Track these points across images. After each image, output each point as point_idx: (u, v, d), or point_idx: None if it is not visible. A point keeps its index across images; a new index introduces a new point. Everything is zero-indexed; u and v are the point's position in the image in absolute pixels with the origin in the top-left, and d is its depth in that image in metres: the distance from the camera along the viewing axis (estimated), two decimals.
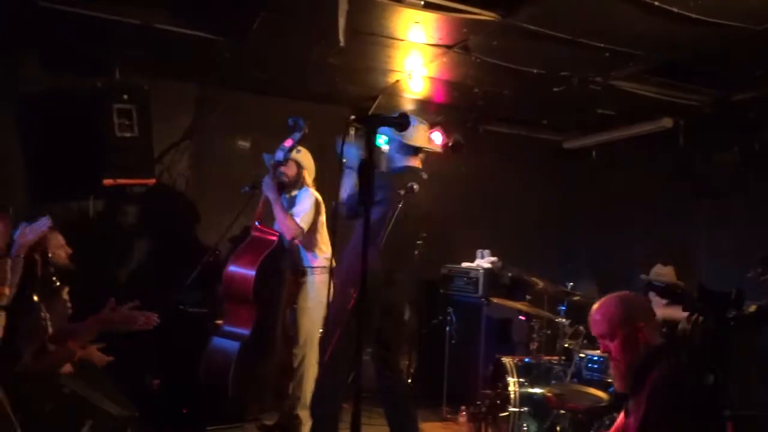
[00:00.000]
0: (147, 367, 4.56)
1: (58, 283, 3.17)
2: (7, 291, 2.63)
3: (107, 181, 4.55)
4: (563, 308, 4.65)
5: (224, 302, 4.47)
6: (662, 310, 4.24)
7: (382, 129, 3.73)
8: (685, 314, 2.26)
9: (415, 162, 3.82)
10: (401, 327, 3.83)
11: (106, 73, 4.64)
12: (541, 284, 4.84)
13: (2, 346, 2.55)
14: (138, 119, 4.59)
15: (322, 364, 3.65)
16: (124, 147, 4.56)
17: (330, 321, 3.46)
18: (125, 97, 4.56)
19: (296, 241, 4.34)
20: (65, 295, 3.36)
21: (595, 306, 2.42)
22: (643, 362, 2.25)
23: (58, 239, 3.44)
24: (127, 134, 4.58)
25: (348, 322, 3.15)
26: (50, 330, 3.10)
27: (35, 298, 2.85)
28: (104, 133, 4.52)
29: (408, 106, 5.44)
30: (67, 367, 3.22)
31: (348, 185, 3.87)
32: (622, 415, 2.41)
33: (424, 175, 3.78)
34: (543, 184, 6.30)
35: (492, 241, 5.83)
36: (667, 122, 5.21)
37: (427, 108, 5.54)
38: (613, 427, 2.49)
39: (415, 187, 3.41)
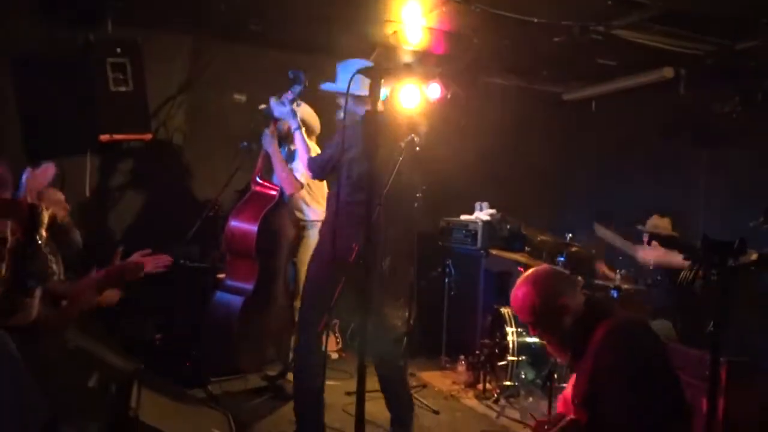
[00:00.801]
0: (150, 322, 4.62)
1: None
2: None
3: (103, 137, 4.52)
4: (562, 259, 4.70)
5: (226, 257, 4.49)
6: (657, 254, 4.29)
7: (328, 85, 3.73)
8: (680, 260, 2.28)
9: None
10: (380, 278, 3.84)
11: (98, 27, 4.55)
12: (539, 236, 4.87)
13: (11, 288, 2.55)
14: (132, 73, 4.54)
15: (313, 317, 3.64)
16: (119, 102, 4.52)
17: (326, 276, 3.46)
18: (118, 50, 4.50)
19: (296, 196, 4.34)
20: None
21: (512, 296, 2.43)
22: (574, 329, 2.28)
23: (57, 195, 3.43)
24: (122, 88, 4.53)
25: (349, 276, 3.17)
26: (61, 275, 3.11)
27: (40, 242, 2.84)
28: (99, 88, 4.47)
29: (406, 58, 5.36)
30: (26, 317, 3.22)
31: (303, 147, 3.88)
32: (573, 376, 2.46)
33: (423, 129, 3.75)
34: (542, 136, 6.27)
35: (491, 193, 5.83)
36: (668, 72, 5.15)
37: (425, 60, 5.46)
38: (566, 390, 2.53)
39: (416, 138, 3.39)
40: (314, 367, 3.60)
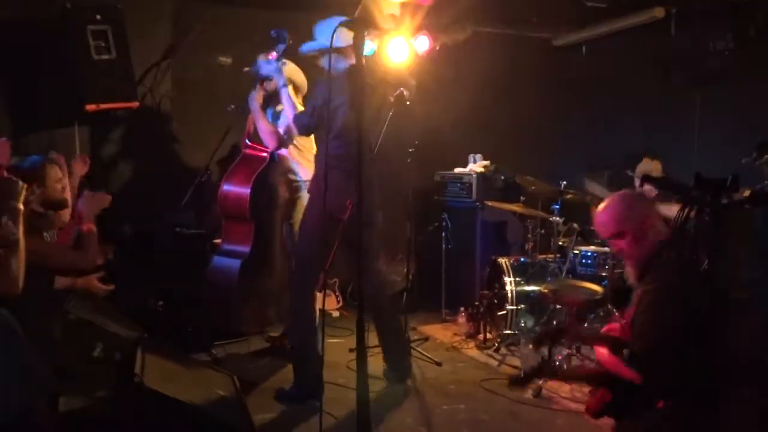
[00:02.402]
0: (150, 290, 4.63)
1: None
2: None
3: (90, 107, 4.46)
4: (557, 207, 4.71)
5: (222, 221, 4.49)
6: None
7: (307, 45, 3.69)
8: (676, 210, 2.29)
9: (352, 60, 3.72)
10: (374, 232, 3.85)
11: None
12: (534, 185, 4.86)
13: None
14: (114, 40, 4.45)
15: (305, 276, 3.67)
16: (103, 70, 4.44)
17: (314, 234, 3.47)
18: (98, 17, 4.40)
19: (287, 156, 4.32)
20: None
21: (599, 209, 2.48)
22: (655, 253, 2.32)
23: (57, 173, 3.42)
24: (105, 56, 4.45)
25: (344, 234, 3.16)
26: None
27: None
28: (81, 58, 4.39)
29: (392, 10, 5.25)
30: (65, 281, 3.25)
31: (290, 104, 3.84)
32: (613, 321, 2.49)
33: (413, 82, 3.71)
34: (534, 84, 6.20)
35: (484, 144, 5.80)
36: (658, 12, 5.06)
37: (412, 11, 5.35)
38: (606, 327, 2.56)
39: (405, 92, 3.35)
40: (306, 324, 3.64)
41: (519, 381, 2.33)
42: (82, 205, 3.36)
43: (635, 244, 2.35)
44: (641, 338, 2.20)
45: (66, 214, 3.49)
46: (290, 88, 4.33)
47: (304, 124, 3.73)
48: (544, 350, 2.15)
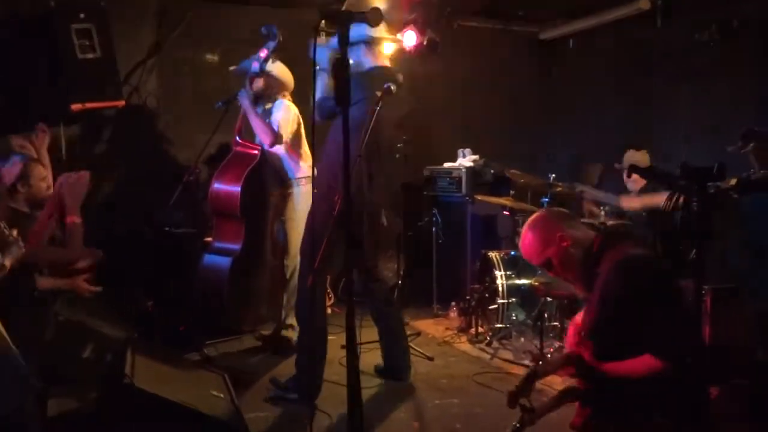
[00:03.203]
0: (141, 291, 4.61)
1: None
2: None
3: (75, 107, 4.40)
4: (546, 200, 4.71)
5: (212, 219, 4.48)
6: (641, 199, 4.31)
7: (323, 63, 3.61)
8: (664, 198, 2.28)
9: (382, 61, 3.73)
10: (377, 231, 3.83)
11: None
12: (523, 178, 4.87)
13: None
14: (99, 39, 4.39)
15: (306, 273, 3.62)
16: (87, 69, 4.38)
17: (314, 229, 3.45)
18: (82, 15, 4.35)
19: (278, 154, 4.31)
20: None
21: (520, 247, 2.50)
22: (584, 261, 2.31)
23: (41, 171, 3.39)
24: (89, 55, 4.40)
25: (333, 229, 3.15)
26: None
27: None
28: (65, 57, 4.34)
29: (378, 4, 5.23)
30: (48, 282, 3.20)
31: (320, 88, 3.78)
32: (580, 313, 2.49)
33: (400, 77, 3.69)
34: (521, 77, 6.21)
35: (473, 139, 5.81)
36: (644, 4, 5.10)
37: (398, 5, 5.33)
38: (577, 316, 2.56)
39: (393, 87, 3.33)
40: (319, 325, 3.61)
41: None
42: (62, 195, 3.20)
43: (564, 266, 2.36)
44: (588, 315, 2.22)
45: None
46: (281, 85, 4.31)
47: (330, 109, 3.49)
48: (523, 401, 2.13)
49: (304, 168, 4.37)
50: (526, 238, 2.43)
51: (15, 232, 2.77)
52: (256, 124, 4.17)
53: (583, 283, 2.38)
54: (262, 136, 4.19)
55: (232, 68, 4.36)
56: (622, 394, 2.10)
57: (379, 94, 3.26)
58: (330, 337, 4.61)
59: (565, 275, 2.40)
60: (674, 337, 1.99)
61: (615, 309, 2.14)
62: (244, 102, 4.18)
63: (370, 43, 3.63)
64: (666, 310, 2.04)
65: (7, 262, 2.71)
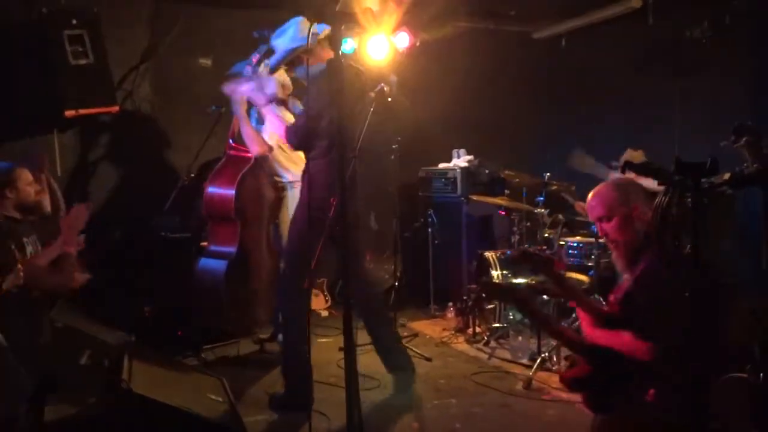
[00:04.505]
0: (138, 296, 4.60)
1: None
2: None
3: (69, 113, 4.40)
4: (541, 199, 4.72)
5: (207, 223, 4.47)
6: (633, 178, 4.32)
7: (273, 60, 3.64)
8: (653, 183, 2.30)
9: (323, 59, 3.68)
10: (366, 235, 3.83)
11: None
12: (518, 178, 4.88)
13: None
14: (91, 45, 4.40)
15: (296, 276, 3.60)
16: (81, 75, 4.38)
17: (303, 232, 3.45)
18: (74, 21, 4.35)
19: (271, 158, 4.31)
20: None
21: (591, 193, 2.50)
22: (640, 243, 2.33)
23: (28, 176, 3.38)
24: (83, 61, 4.40)
25: (328, 232, 3.15)
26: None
27: None
28: (58, 63, 4.34)
29: (370, 5, 5.24)
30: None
31: (276, 119, 3.83)
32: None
33: (393, 78, 3.70)
34: (515, 77, 6.22)
35: (467, 139, 5.81)
36: (635, 2, 5.11)
37: (392, 7, 5.34)
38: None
39: (386, 88, 3.33)
40: (299, 328, 3.59)
41: (489, 286, 2.33)
42: (63, 228, 3.26)
43: (621, 230, 2.36)
44: (649, 311, 2.23)
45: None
46: (279, 90, 4.31)
47: (294, 144, 3.69)
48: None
49: (297, 172, 4.37)
50: (607, 189, 2.45)
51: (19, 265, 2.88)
52: (246, 132, 4.16)
53: (626, 258, 2.39)
54: (251, 146, 4.19)
55: (228, 74, 4.35)
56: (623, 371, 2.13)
57: (372, 95, 3.27)
58: (326, 340, 4.65)
59: (616, 237, 2.40)
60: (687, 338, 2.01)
61: (654, 293, 2.16)
62: (237, 109, 4.17)
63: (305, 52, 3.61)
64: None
65: (4, 286, 2.79)
